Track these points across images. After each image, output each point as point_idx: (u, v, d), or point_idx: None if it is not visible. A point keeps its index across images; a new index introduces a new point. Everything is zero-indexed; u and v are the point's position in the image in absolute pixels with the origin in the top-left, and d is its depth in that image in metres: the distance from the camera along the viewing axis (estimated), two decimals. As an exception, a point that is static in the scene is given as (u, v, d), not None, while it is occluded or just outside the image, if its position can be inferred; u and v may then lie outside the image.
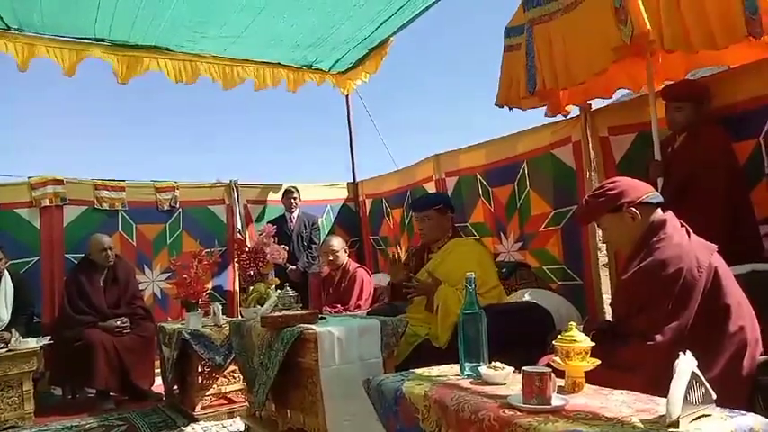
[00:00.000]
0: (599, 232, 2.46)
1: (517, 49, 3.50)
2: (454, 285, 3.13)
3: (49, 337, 4.31)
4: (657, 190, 3.03)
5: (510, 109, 3.69)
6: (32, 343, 4.15)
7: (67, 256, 5.32)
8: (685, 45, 2.74)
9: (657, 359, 1.74)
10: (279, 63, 6.07)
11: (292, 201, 6.00)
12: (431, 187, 5.42)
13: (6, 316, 4.50)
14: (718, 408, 1.37)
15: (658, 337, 1.82)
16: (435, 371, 2.07)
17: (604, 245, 3.79)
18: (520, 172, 4.52)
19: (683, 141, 3.15)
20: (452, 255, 3.36)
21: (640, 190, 2.11)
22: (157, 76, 5.42)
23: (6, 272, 4.62)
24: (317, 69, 6.35)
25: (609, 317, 3.26)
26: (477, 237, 4.91)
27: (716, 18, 2.58)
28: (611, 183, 2.18)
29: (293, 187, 6.10)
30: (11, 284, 4.61)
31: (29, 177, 5.30)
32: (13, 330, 4.20)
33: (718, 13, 2.58)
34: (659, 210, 2.10)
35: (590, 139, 3.96)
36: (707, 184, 2.90)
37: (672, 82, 3.33)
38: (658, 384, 1.43)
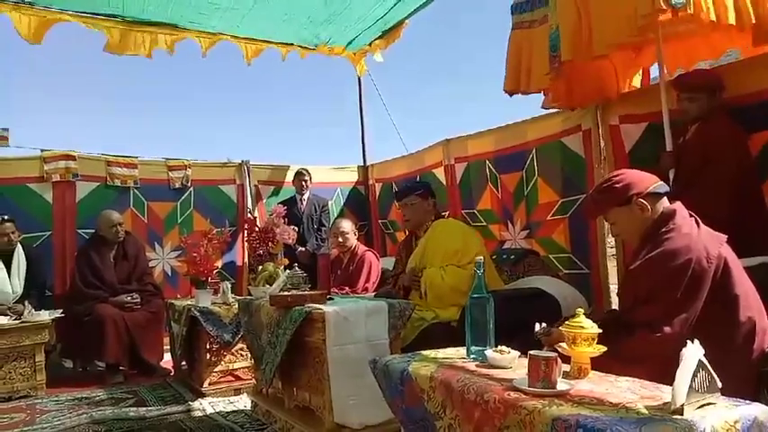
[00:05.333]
0: (608, 225, 2.46)
1: (528, 26, 3.40)
2: (440, 263, 3.32)
3: (60, 311, 4.38)
4: (669, 181, 3.04)
5: (511, 95, 3.60)
6: (45, 315, 4.21)
7: (79, 231, 5.37)
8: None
9: (665, 351, 1.74)
10: (292, 44, 6.06)
11: (303, 183, 6.01)
12: (440, 172, 5.43)
13: (19, 288, 4.57)
14: (724, 397, 1.38)
15: (667, 329, 1.82)
16: (441, 353, 2.09)
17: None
18: (529, 159, 4.51)
19: (694, 132, 3.11)
20: (435, 234, 3.50)
21: (647, 181, 2.10)
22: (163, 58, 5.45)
23: (20, 245, 4.68)
24: (331, 49, 6.33)
25: (615, 306, 3.28)
26: (485, 223, 4.92)
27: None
28: (617, 175, 2.15)
29: (304, 169, 6.10)
30: (24, 258, 4.67)
31: (42, 151, 5.33)
32: (26, 303, 4.28)
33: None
34: (666, 199, 2.10)
35: (600, 128, 3.93)
36: (717, 176, 2.88)
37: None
38: (665, 376, 1.44)
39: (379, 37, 6.08)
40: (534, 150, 4.46)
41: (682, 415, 1.27)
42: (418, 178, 5.80)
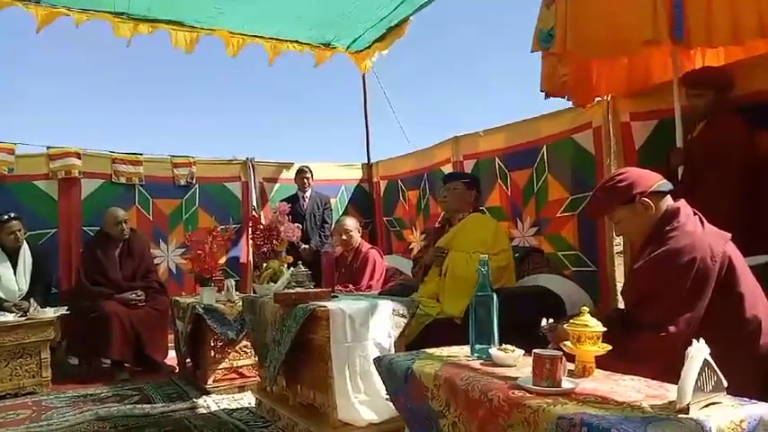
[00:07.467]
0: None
1: None
2: (467, 250, 3.38)
3: (66, 308, 4.39)
4: (678, 177, 3.01)
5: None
6: (50, 313, 4.24)
7: (85, 228, 5.39)
8: None
9: (670, 350, 1.73)
10: (297, 41, 6.05)
11: (305, 180, 6.00)
12: (448, 169, 5.39)
13: (25, 286, 4.59)
14: (729, 396, 1.37)
15: (671, 328, 1.80)
16: (446, 351, 2.08)
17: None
18: (539, 156, 4.49)
19: (701, 129, 3.09)
20: (468, 225, 3.58)
21: (650, 179, 2.07)
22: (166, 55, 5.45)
23: (26, 243, 4.69)
24: (335, 48, 6.32)
25: (621, 305, 3.26)
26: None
27: None
28: (620, 174, 2.13)
29: (306, 167, 6.09)
30: (29, 255, 4.68)
31: (47, 148, 5.34)
32: (32, 300, 4.30)
33: None
34: (670, 197, 2.08)
35: (611, 125, 3.91)
36: (722, 173, 2.86)
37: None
38: (671, 375, 1.42)
39: (383, 35, 6.06)
40: (545, 147, 4.44)
41: (687, 414, 1.26)
42: (425, 175, 5.79)
